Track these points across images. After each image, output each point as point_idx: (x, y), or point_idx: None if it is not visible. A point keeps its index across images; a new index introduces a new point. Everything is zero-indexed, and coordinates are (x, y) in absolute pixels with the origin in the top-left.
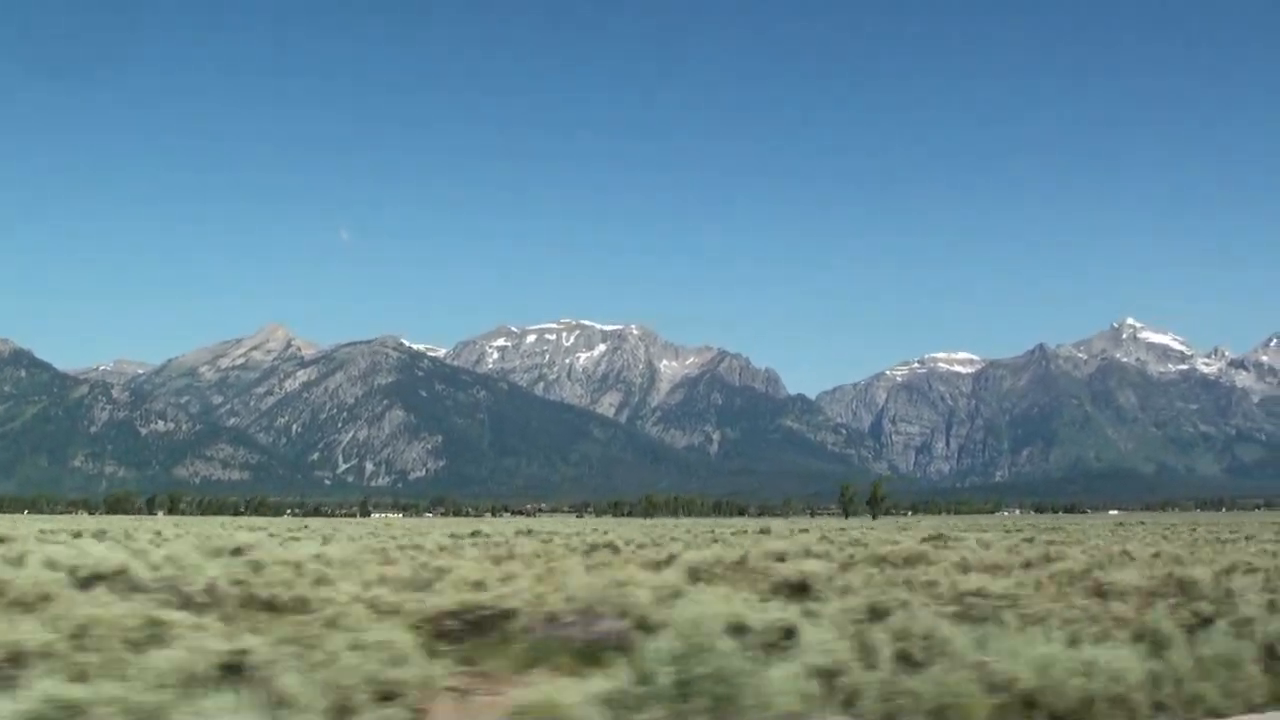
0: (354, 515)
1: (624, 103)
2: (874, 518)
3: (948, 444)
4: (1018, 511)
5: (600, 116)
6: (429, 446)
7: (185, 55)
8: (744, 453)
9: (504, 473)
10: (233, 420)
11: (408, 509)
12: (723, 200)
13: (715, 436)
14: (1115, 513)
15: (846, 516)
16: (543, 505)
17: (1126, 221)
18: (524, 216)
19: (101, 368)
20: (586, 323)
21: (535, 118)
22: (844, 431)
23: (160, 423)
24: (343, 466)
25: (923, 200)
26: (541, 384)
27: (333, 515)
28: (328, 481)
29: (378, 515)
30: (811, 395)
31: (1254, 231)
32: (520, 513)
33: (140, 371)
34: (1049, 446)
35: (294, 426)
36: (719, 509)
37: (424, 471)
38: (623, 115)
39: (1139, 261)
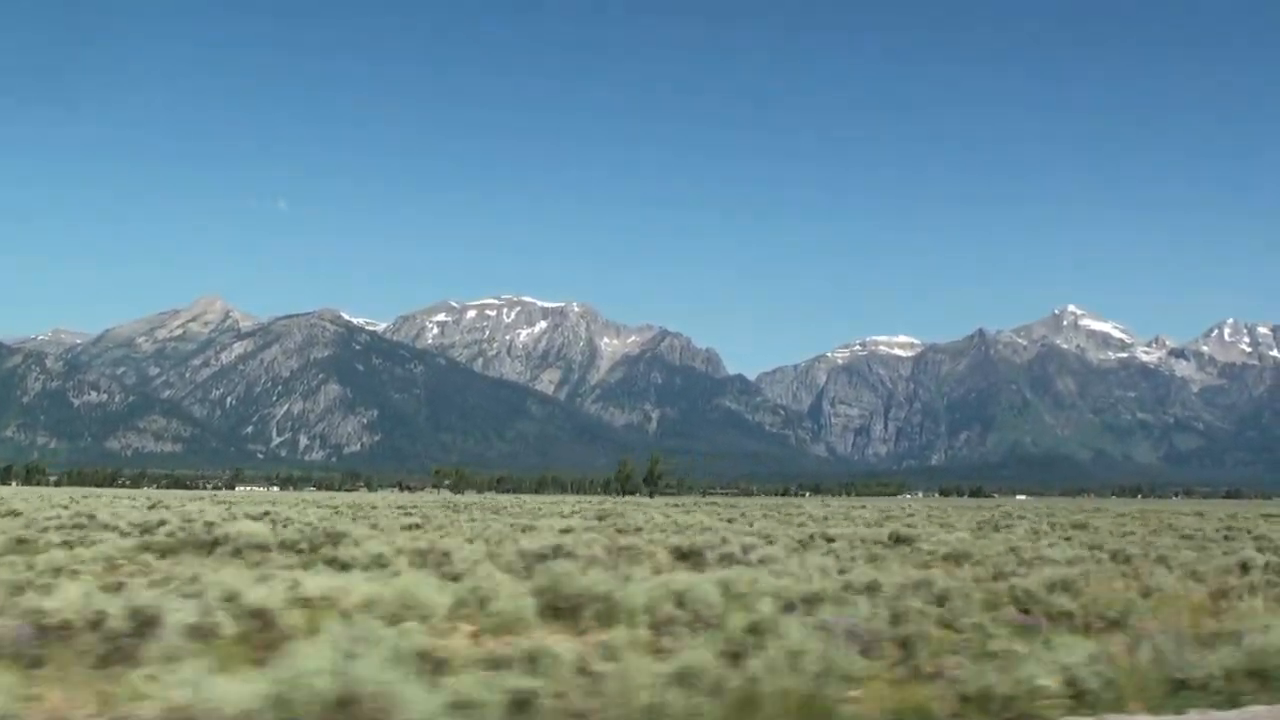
0: (220, 489)
1: (569, 81)
2: (650, 496)
3: (886, 427)
4: (920, 494)
5: (544, 94)
6: (364, 421)
7: (122, 25)
8: (682, 432)
9: (440, 448)
10: (168, 392)
11: (287, 484)
12: (666, 179)
13: (654, 415)
14: (1022, 497)
15: (623, 494)
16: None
17: (1071, 209)
18: (466, 191)
19: (39, 337)
20: (528, 299)
21: (480, 93)
22: (782, 412)
23: (93, 394)
24: (276, 440)
25: (866, 183)
26: (481, 360)
27: (200, 489)
28: (261, 455)
29: (242, 489)
30: (751, 376)
31: (1200, 222)
32: (408, 489)
33: (78, 342)
34: (986, 431)
35: (229, 399)
36: (607, 487)
37: (359, 446)
38: (567, 93)
39: (1082, 249)
